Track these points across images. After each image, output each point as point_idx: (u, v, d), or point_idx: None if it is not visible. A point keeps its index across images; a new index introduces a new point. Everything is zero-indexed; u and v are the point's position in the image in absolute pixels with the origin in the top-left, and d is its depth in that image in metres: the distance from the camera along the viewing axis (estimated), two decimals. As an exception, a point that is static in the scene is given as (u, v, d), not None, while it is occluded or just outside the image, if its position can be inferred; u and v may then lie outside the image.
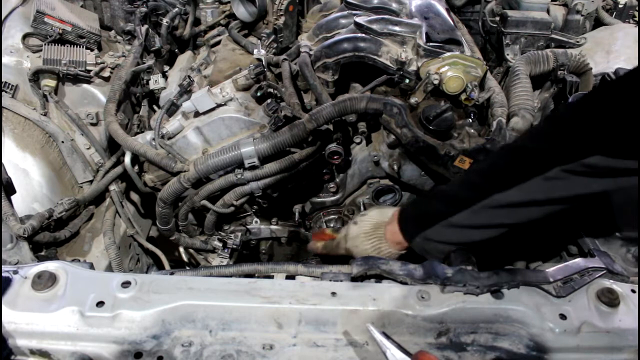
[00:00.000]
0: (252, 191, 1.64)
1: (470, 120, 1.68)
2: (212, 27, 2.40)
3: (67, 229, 1.65)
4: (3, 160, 1.33)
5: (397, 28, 1.69)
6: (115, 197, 1.82)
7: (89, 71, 1.86)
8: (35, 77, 1.75)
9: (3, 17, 1.85)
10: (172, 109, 1.72)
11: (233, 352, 1.02)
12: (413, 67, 1.64)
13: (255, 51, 1.75)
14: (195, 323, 1.06)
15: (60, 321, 1.02)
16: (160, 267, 1.84)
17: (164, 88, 1.98)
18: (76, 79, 1.85)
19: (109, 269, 1.63)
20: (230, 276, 1.36)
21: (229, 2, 2.31)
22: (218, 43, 2.22)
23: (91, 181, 1.83)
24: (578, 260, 1.17)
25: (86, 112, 1.85)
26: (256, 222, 1.92)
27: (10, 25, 1.85)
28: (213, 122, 1.62)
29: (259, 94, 1.64)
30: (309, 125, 1.51)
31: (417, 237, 1.28)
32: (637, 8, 2.41)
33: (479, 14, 2.41)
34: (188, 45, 2.41)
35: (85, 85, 1.88)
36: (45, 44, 1.81)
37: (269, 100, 1.61)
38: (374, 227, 1.39)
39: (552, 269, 1.15)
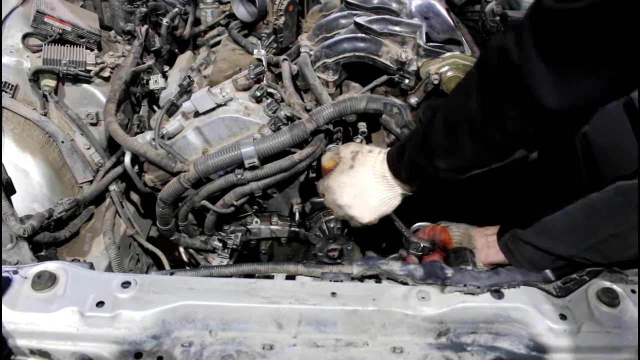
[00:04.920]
0: (252, 191, 1.64)
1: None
2: (212, 27, 2.40)
3: (67, 229, 1.65)
4: (3, 160, 1.33)
5: (397, 28, 1.69)
6: (115, 197, 1.82)
7: (89, 71, 1.86)
8: (35, 77, 1.75)
9: (3, 17, 1.85)
10: (172, 109, 1.71)
11: (233, 352, 1.02)
12: (413, 67, 1.64)
13: (255, 51, 1.75)
14: (195, 323, 1.06)
15: (60, 321, 1.02)
16: (160, 267, 1.84)
17: (164, 88, 1.98)
18: (76, 79, 1.85)
19: (109, 269, 1.63)
20: (230, 276, 1.36)
21: (229, 2, 2.31)
22: (218, 43, 2.22)
23: (91, 181, 1.83)
24: (578, 260, 1.17)
25: (86, 112, 1.85)
26: (256, 222, 1.92)
27: (10, 25, 1.85)
28: (213, 122, 1.62)
29: (259, 94, 1.64)
30: (309, 126, 1.51)
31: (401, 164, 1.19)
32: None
33: (479, 14, 2.41)
34: (188, 45, 2.41)
35: (85, 85, 1.88)
36: (45, 44, 1.81)
37: (269, 100, 1.61)
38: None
39: (552, 269, 1.15)
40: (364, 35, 1.69)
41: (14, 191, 1.39)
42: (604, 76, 0.79)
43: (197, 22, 2.43)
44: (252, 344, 1.03)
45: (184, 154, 1.63)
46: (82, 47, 1.89)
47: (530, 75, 0.82)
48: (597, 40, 0.75)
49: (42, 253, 1.52)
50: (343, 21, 1.85)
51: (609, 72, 0.78)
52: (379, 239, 2.09)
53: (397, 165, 1.22)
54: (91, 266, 1.20)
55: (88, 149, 1.82)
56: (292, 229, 1.94)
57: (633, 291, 1.08)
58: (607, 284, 1.09)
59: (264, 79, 1.67)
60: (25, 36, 1.82)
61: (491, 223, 1.41)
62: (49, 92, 1.76)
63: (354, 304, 1.07)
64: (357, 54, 1.69)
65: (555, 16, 0.78)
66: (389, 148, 1.28)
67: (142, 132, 1.92)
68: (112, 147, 1.90)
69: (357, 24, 1.72)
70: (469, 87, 1.00)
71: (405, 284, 1.14)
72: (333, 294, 1.09)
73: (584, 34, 0.75)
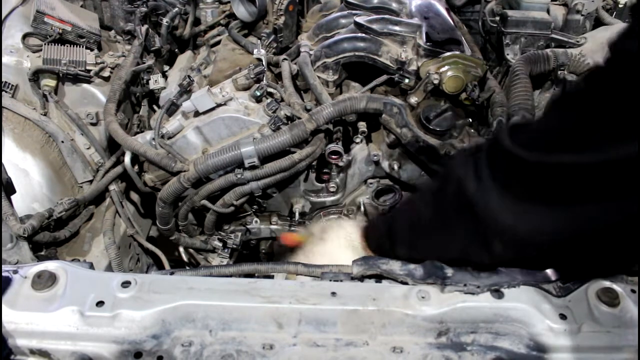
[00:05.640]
0: (252, 191, 1.64)
1: (470, 120, 1.68)
2: (212, 27, 2.40)
3: (67, 228, 1.65)
4: (3, 160, 1.33)
5: (397, 28, 1.69)
6: (115, 197, 1.82)
7: (89, 71, 1.86)
8: (35, 77, 1.75)
9: (3, 17, 1.85)
10: (172, 109, 1.72)
11: (233, 352, 1.02)
12: (413, 67, 1.64)
13: (255, 51, 1.75)
14: (195, 323, 1.06)
15: (60, 321, 1.02)
16: (160, 267, 1.84)
17: (164, 88, 1.98)
18: (76, 79, 1.85)
19: (109, 268, 1.63)
20: (230, 276, 1.36)
21: (229, 2, 2.31)
22: (218, 43, 2.22)
23: (91, 181, 1.83)
24: (578, 259, 1.17)
25: (86, 112, 1.85)
26: (256, 221, 1.92)
27: (10, 25, 1.85)
28: (213, 121, 1.62)
29: (259, 93, 1.64)
30: (309, 125, 1.51)
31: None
32: (637, 8, 2.40)
33: (479, 14, 2.41)
34: (188, 45, 2.41)
35: (85, 85, 1.88)
36: (45, 44, 1.81)
37: (269, 100, 1.61)
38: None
39: (552, 269, 1.15)
40: (364, 35, 1.69)
41: (14, 191, 1.39)
42: (557, 218, 0.82)
43: (197, 22, 2.43)
44: (252, 343, 1.03)
45: (183, 154, 1.63)
46: (82, 47, 1.89)
47: (485, 209, 0.88)
48: (549, 187, 0.79)
49: (42, 253, 1.52)
50: (343, 21, 1.85)
51: (564, 215, 0.81)
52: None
53: (368, 240, 1.34)
54: (91, 266, 1.20)
55: (88, 148, 1.82)
56: (292, 228, 1.94)
57: (633, 291, 1.08)
58: (607, 283, 1.08)
59: (264, 78, 1.67)
60: (25, 36, 1.82)
61: None
62: (49, 92, 1.76)
63: (354, 303, 1.07)
64: (357, 53, 1.69)
65: (511, 159, 0.83)
66: (365, 224, 1.39)
67: (142, 131, 1.92)
68: (112, 146, 1.90)
69: (357, 24, 1.72)
70: (429, 198, 1.09)
71: (405, 283, 1.13)
72: (333, 293, 1.09)
73: (537, 180, 0.80)
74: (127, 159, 1.70)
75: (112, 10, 2.19)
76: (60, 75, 1.79)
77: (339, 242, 1.37)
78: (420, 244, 1.12)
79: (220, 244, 1.87)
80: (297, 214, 1.84)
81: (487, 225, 0.89)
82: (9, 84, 1.70)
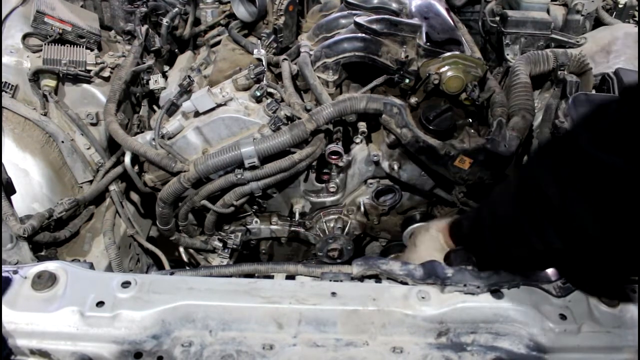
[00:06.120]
0: (252, 191, 1.64)
1: (470, 120, 1.68)
2: (212, 27, 2.40)
3: (67, 229, 1.65)
4: (3, 160, 1.33)
5: (397, 28, 1.69)
6: (115, 197, 1.82)
7: (89, 71, 1.86)
8: (35, 77, 1.75)
9: (3, 17, 1.85)
10: (172, 109, 1.72)
11: (233, 352, 1.02)
12: (413, 67, 1.64)
13: (255, 51, 1.75)
14: (195, 323, 1.06)
15: (60, 321, 1.02)
16: (160, 267, 1.84)
17: (164, 88, 1.98)
18: (76, 79, 1.85)
19: (109, 269, 1.63)
20: (230, 276, 1.36)
21: (229, 2, 2.31)
22: (218, 43, 2.23)
23: (91, 181, 1.83)
24: (578, 260, 1.17)
25: (86, 112, 1.86)
26: (256, 222, 1.92)
27: (10, 25, 1.85)
28: (213, 122, 1.62)
29: (259, 94, 1.64)
30: (309, 126, 1.51)
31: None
32: (637, 8, 2.41)
33: (479, 14, 2.41)
34: (188, 45, 2.42)
35: (85, 85, 1.88)
36: (45, 44, 1.81)
37: (269, 100, 1.61)
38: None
39: (552, 269, 1.15)
40: (364, 35, 1.69)
41: (14, 191, 1.39)
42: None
43: (197, 22, 2.43)
44: (252, 343, 1.03)
45: (184, 154, 1.63)
46: (82, 47, 1.89)
47: (571, 210, 0.81)
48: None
49: (42, 253, 1.52)
50: (343, 21, 1.85)
51: None
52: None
53: (459, 239, 1.30)
54: (91, 266, 1.20)
55: (88, 149, 1.83)
56: (292, 228, 1.94)
57: (633, 291, 1.08)
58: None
59: (264, 78, 1.67)
60: (25, 36, 1.82)
61: None
62: (49, 92, 1.76)
63: (354, 303, 1.07)
64: (357, 53, 1.68)
65: (588, 162, 0.75)
66: (453, 221, 1.35)
67: (142, 132, 1.92)
68: (112, 147, 1.90)
69: (357, 24, 1.71)
70: (509, 203, 1.02)
71: (405, 283, 1.13)
72: (333, 293, 1.09)
73: (618, 187, 0.72)
74: (127, 159, 1.70)
75: (112, 10, 2.19)
76: (60, 75, 1.79)
77: (427, 245, 1.37)
78: (510, 245, 1.06)
79: (221, 244, 1.87)
80: (297, 214, 1.84)
81: (573, 224, 0.82)
82: (9, 84, 1.71)
